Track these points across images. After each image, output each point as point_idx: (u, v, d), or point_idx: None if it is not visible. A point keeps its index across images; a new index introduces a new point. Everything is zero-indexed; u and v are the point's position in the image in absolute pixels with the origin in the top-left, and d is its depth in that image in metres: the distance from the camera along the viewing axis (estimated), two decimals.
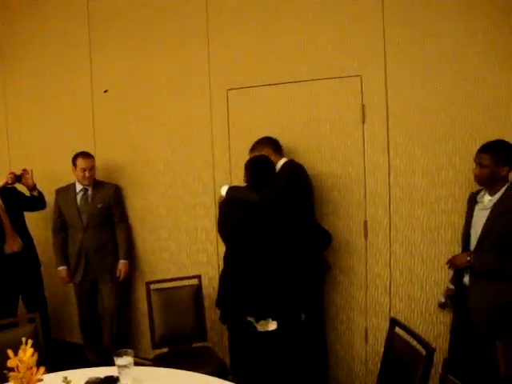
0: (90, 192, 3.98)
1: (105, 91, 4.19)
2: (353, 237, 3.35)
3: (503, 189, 2.56)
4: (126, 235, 4.07)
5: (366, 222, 3.30)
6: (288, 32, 3.43)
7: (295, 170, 3.22)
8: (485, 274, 2.55)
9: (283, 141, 3.40)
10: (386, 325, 3.17)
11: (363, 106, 3.24)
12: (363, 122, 3.25)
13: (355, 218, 3.33)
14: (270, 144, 3.29)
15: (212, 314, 3.57)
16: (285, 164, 3.25)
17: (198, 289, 3.48)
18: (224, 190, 3.10)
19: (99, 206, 3.94)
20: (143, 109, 4.04)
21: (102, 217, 3.96)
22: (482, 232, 2.57)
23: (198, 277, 3.51)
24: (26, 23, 4.63)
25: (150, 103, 4.01)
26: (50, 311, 4.27)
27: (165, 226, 4.02)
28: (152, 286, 3.43)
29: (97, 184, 4.02)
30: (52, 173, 4.49)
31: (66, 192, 4.03)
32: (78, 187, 3.98)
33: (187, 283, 3.50)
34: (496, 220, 2.51)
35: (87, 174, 3.89)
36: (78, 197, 3.97)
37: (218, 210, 3.26)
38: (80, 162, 3.89)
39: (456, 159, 3.01)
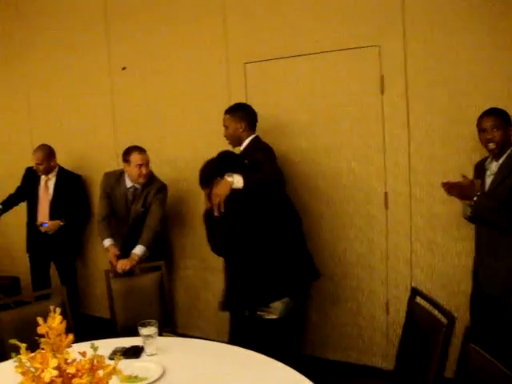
0: (139, 190, 3.62)
1: (123, 68, 4.20)
2: (373, 208, 3.34)
3: (509, 150, 2.58)
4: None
5: (386, 194, 3.29)
6: (305, 2, 3.38)
7: (268, 147, 3.06)
8: (480, 220, 2.60)
9: (301, 112, 3.42)
10: (406, 296, 3.15)
11: (382, 76, 3.19)
12: (382, 93, 3.21)
13: (375, 189, 3.32)
14: (247, 118, 3.14)
15: None
16: (255, 139, 3.13)
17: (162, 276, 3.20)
18: (239, 181, 2.73)
19: (142, 209, 3.61)
20: (160, 86, 4.05)
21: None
22: (489, 189, 2.59)
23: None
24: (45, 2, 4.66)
25: (166, 79, 4.02)
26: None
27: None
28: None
29: (147, 181, 3.59)
30: (74, 152, 4.57)
31: (116, 182, 3.67)
32: (128, 183, 3.64)
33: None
34: (504, 177, 2.53)
35: (144, 170, 3.48)
36: (129, 192, 3.65)
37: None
38: (135, 156, 3.47)
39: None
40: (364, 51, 3.24)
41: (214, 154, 2.96)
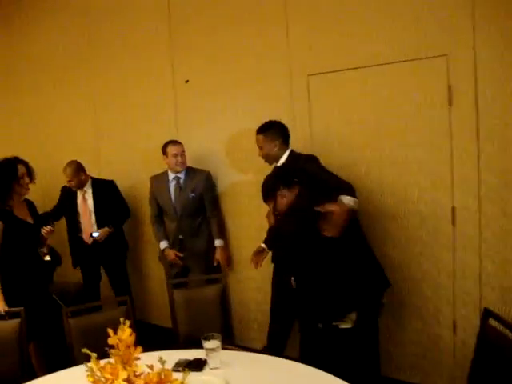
0: (182, 181, 4.00)
1: (186, 81, 4.28)
2: (440, 223, 3.22)
3: None
4: (218, 222, 4.10)
5: (453, 208, 3.16)
6: (370, 12, 3.32)
7: (313, 156, 3.20)
8: None
9: (364, 124, 3.35)
10: (475, 316, 3.06)
11: (450, 87, 3.08)
12: (450, 104, 3.10)
13: (442, 203, 3.20)
14: (281, 135, 3.26)
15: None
16: (292, 154, 3.27)
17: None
18: (352, 201, 2.75)
19: (191, 195, 3.96)
20: (223, 99, 4.09)
21: (195, 205, 3.99)
22: None
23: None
24: (109, 17, 4.84)
25: (229, 92, 4.05)
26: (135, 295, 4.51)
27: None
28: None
29: (189, 171, 4.03)
30: (138, 162, 4.70)
31: (159, 180, 4.10)
32: (171, 176, 4.02)
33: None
34: None
35: (179, 159, 3.92)
36: (171, 186, 4.02)
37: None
38: (171, 148, 3.92)
39: None
40: (431, 61, 3.13)
41: None
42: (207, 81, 4.17)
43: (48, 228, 3.45)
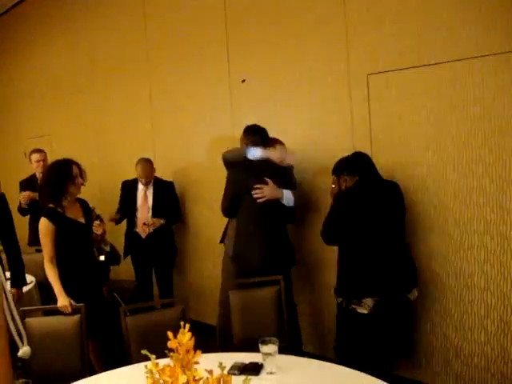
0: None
1: (242, 81, 4.28)
2: (507, 229, 3.03)
3: None
4: None
5: None
6: (433, 7, 3.19)
7: None
8: None
9: (428, 124, 3.25)
10: None
11: None
12: None
13: (509, 208, 3.02)
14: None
15: None
16: None
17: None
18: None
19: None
20: (280, 99, 4.05)
21: None
22: None
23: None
24: (167, 17, 4.90)
25: (286, 92, 4.00)
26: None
27: None
28: None
29: None
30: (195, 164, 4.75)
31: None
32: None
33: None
34: None
35: None
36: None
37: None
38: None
39: None
40: (500, 58, 2.97)
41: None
42: (264, 81, 4.15)
43: (96, 223, 3.42)
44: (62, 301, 3.08)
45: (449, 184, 3.23)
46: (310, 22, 3.80)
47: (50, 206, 3.24)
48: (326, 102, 3.76)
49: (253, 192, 3.44)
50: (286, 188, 3.53)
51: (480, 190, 3.12)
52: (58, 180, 3.22)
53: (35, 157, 5.14)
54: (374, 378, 2.10)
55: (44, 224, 3.20)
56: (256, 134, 3.59)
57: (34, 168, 5.14)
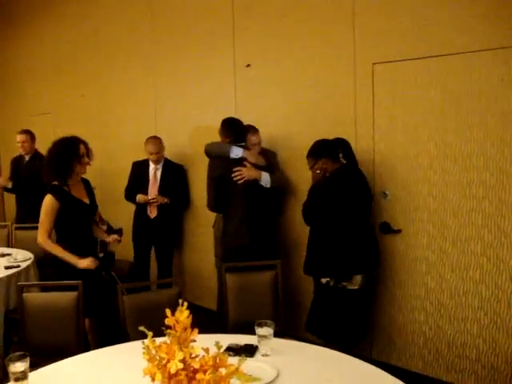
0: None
1: (247, 65, 4.26)
2: (505, 223, 3.04)
3: None
4: None
5: None
6: (443, 0, 3.17)
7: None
8: None
9: (431, 116, 3.25)
10: None
11: None
12: None
13: (508, 202, 3.02)
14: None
15: None
16: None
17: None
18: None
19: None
20: (285, 85, 4.04)
21: None
22: None
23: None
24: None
25: (291, 78, 4.00)
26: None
27: None
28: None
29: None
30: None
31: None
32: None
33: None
34: None
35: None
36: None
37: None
38: (250, 137, 3.85)
39: None
40: (507, 51, 2.96)
41: None
42: (268, 66, 4.13)
43: (115, 237, 3.53)
44: (83, 261, 3.13)
45: (449, 175, 3.24)
46: (316, 11, 3.77)
47: (55, 183, 3.18)
48: (330, 89, 3.75)
49: (233, 175, 3.63)
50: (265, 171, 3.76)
51: (480, 183, 3.13)
52: (64, 158, 3.14)
53: (18, 137, 5.26)
54: (368, 364, 2.12)
55: (49, 201, 3.13)
56: (234, 128, 3.84)
57: (19, 148, 5.28)
